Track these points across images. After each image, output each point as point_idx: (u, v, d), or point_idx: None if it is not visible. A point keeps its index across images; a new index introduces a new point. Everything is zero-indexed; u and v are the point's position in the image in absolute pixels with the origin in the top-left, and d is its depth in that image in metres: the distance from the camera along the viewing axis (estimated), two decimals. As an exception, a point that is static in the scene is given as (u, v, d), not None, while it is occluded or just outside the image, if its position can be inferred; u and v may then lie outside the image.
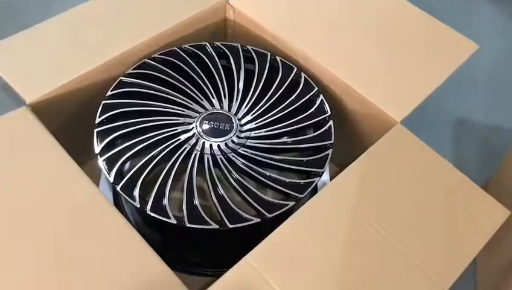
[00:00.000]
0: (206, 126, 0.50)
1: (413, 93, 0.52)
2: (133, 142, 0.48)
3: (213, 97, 0.53)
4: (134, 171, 0.45)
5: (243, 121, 0.52)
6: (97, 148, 0.47)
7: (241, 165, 0.47)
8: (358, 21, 0.60)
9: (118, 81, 0.53)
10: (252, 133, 0.51)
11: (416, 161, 0.47)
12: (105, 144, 0.47)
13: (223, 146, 0.49)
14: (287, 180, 0.47)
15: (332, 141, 0.50)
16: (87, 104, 0.54)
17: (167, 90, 0.53)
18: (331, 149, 0.49)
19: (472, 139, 0.80)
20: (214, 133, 0.50)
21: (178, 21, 0.59)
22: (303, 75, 0.56)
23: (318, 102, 0.53)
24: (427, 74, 0.54)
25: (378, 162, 0.47)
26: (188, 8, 0.60)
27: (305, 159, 0.48)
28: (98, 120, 0.49)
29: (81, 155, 0.62)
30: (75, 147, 0.58)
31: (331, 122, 0.51)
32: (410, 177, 0.46)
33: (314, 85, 0.55)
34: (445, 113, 0.84)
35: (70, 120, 0.56)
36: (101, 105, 0.50)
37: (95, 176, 0.50)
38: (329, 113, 0.52)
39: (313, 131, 0.51)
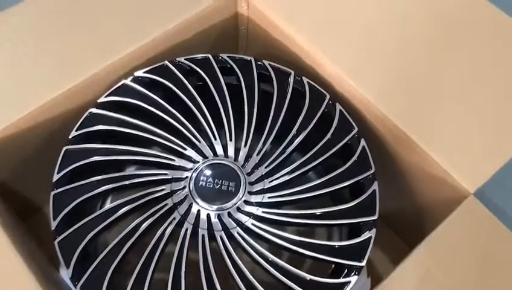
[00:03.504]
0: (202, 184, 0.37)
1: (497, 148, 0.37)
2: (103, 212, 0.35)
3: (215, 139, 0.39)
4: (100, 262, 0.33)
5: (254, 177, 0.38)
6: (53, 222, 0.34)
7: (249, 249, 0.34)
8: (421, 29, 0.43)
9: (86, 114, 0.39)
10: (266, 197, 0.37)
11: (500, 254, 0.33)
12: (64, 216, 0.34)
13: (225, 217, 0.36)
14: (308, 277, 0.33)
15: (376, 217, 0.36)
16: (47, 145, 0.41)
17: (153, 128, 0.39)
18: (374, 229, 0.35)
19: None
20: (213, 195, 0.36)
21: (179, 21, 0.44)
22: (338, 106, 0.41)
23: (359, 150, 0.39)
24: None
25: (447, 255, 0.33)
26: (188, 5, 0.45)
27: (336, 244, 0.35)
28: (56, 177, 0.36)
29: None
30: (36, 187, 0.46)
31: (375, 185, 0.37)
32: (490, 278, 0.32)
33: (353, 123, 0.40)
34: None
35: (28, 163, 0.43)
36: (62, 153, 0.37)
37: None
38: (373, 170, 0.38)
39: (350, 197, 0.37)
